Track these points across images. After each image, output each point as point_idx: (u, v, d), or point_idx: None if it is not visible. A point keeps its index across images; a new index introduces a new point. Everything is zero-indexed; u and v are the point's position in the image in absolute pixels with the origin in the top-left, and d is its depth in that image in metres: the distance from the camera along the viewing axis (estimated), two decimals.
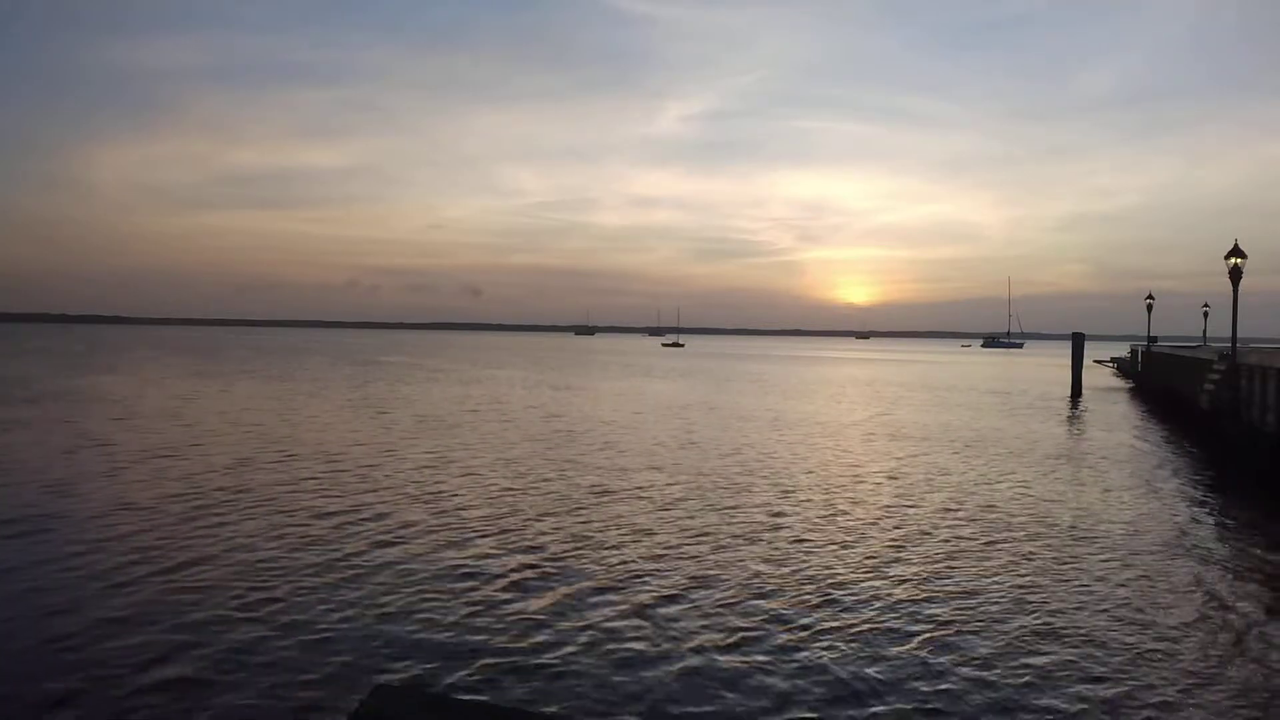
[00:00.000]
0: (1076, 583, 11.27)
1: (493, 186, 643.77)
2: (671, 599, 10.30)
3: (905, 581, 11.16)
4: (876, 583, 11.10)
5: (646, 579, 11.12)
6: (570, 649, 8.69)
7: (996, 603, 10.34)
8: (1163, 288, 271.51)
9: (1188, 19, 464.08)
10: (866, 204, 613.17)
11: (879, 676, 8.06)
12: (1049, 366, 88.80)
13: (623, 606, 10.00)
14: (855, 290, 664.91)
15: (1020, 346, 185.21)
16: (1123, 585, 11.21)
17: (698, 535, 13.56)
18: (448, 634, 9.06)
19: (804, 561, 12.09)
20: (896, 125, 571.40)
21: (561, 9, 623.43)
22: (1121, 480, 19.71)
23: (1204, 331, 63.32)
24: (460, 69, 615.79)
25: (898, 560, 12.23)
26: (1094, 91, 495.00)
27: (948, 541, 13.40)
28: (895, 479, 19.31)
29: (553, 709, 7.29)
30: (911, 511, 15.67)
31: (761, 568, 11.72)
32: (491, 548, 12.61)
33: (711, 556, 12.27)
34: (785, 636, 9.08)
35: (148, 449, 21.66)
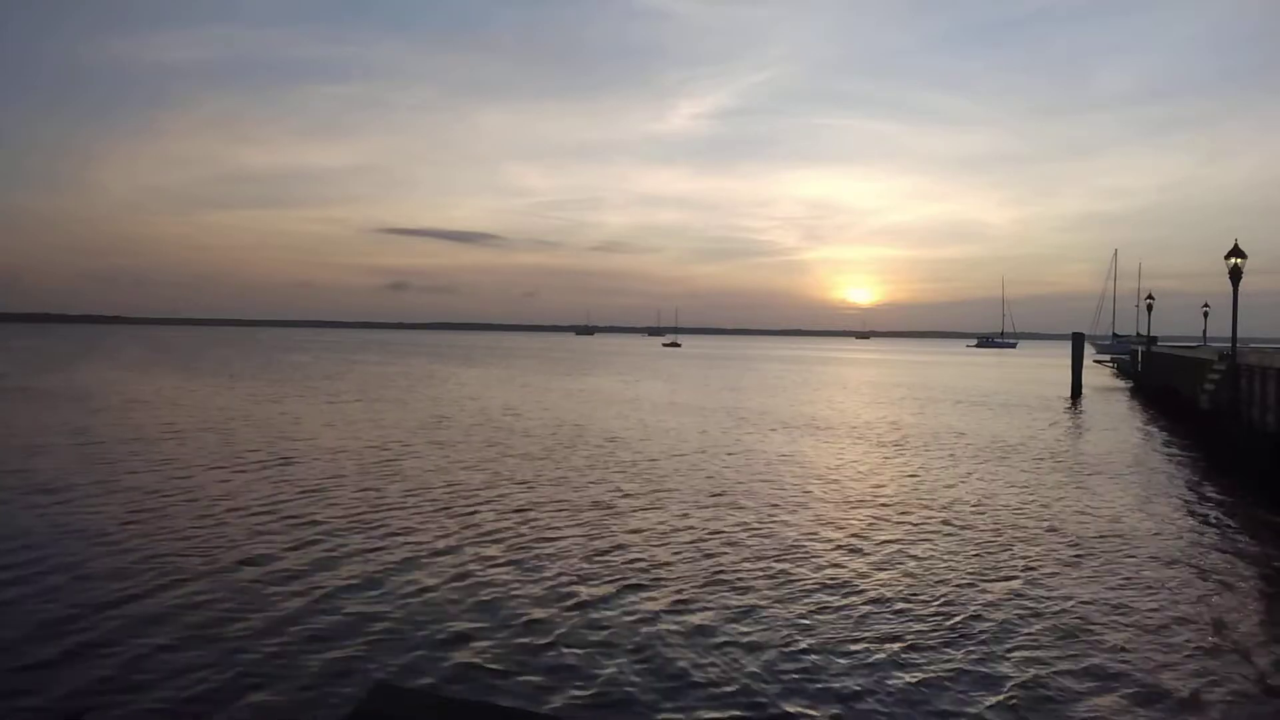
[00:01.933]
0: (1074, 582, 11.19)
1: (500, 185, 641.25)
2: (672, 600, 10.21)
3: (896, 580, 11.09)
4: (870, 584, 11.04)
5: (648, 582, 11.03)
6: (568, 647, 8.61)
7: (990, 602, 10.25)
8: (1164, 287, 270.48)
9: (1209, 16, 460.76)
10: (876, 202, 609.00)
11: (874, 675, 8.00)
12: (1047, 367, 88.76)
13: (620, 605, 9.92)
14: (858, 290, 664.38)
15: (1014, 346, 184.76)
16: (1120, 584, 11.13)
17: (702, 531, 13.50)
18: (448, 632, 8.99)
19: (801, 565, 12.02)
20: (911, 122, 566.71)
21: (573, 4, 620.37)
22: (1120, 480, 19.62)
23: (1204, 331, 63.30)
24: (470, 66, 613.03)
25: (891, 558, 12.16)
26: (1113, 89, 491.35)
27: (940, 541, 13.32)
28: (889, 479, 19.23)
29: (553, 709, 7.21)
30: (903, 512, 15.58)
31: (765, 571, 11.64)
32: (488, 546, 12.50)
33: (712, 552, 12.21)
34: (787, 637, 9.02)
35: (129, 444, 21.63)
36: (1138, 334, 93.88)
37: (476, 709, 5.03)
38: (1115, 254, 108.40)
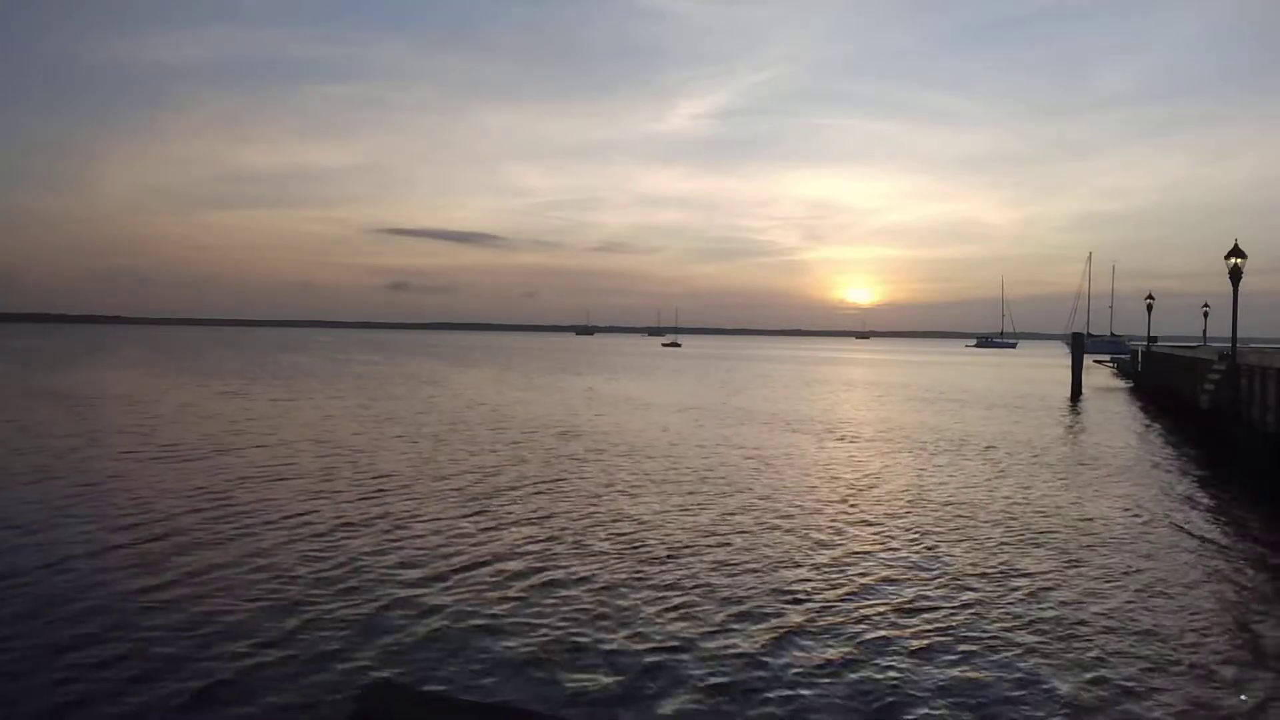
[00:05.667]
0: (1075, 582, 10.87)
1: (500, 185, 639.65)
2: (660, 601, 9.83)
3: (894, 581, 10.71)
4: (865, 592, 10.64)
5: (640, 577, 10.66)
6: (567, 646, 8.48)
7: (989, 601, 9.90)
8: (1164, 287, 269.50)
9: (1209, 16, 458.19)
10: (877, 202, 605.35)
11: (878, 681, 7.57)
12: (1046, 367, 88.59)
13: (615, 603, 9.61)
14: (858, 290, 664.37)
15: (1013, 346, 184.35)
16: (1120, 585, 10.84)
17: (707, 530, 13.14)
18: (445, 630, 8.90)
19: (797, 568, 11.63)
20: (912, 122, 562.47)
21: (574, 4, 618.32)
22: (1120, 480, 19.28)
23: (1204, 331, 63.01)
24: (470, 66, 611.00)
25: (888, 558, 11.78)
26: (1113, 89, 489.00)
27: (941, 540, 12.94)
28: (890, 480, 18.85)
29: (552, 708, 7.03)
30: (903, 512, 15.21)
31: (773, 567, 11.26)
32: (485, 545, 12.17)
33: (723, 550, 11.85)
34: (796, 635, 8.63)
35: (118, 441, 21.30)
36: (1111, 334, 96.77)
37: (475, 708, 4.95)
38: (1090, 256, 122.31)
